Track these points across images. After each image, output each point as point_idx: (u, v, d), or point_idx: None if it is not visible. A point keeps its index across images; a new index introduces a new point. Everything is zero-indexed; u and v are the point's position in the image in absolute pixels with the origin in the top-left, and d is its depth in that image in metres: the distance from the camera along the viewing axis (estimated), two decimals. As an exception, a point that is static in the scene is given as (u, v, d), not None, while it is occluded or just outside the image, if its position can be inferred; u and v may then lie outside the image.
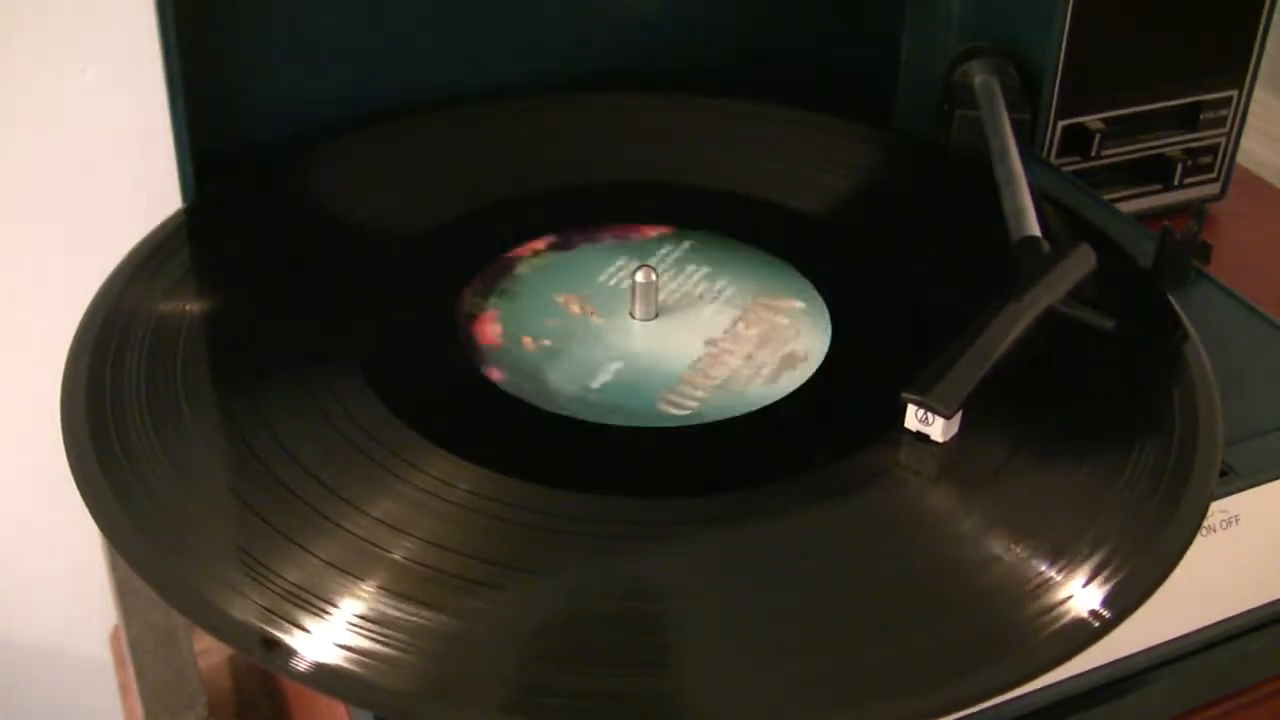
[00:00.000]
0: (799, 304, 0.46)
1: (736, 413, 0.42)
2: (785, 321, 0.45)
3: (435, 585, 0.35)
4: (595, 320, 0.46)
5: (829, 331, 0.45)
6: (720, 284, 0.48)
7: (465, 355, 0.44)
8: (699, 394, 0.42)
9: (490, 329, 0.45)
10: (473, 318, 0.46)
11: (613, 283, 0.48)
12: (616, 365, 0.44)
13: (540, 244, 0.50)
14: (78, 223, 0.60)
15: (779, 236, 0.50)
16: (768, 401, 0.42)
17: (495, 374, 0.43)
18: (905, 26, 0.65)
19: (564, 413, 0.41)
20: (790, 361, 0.43)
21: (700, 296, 0.47)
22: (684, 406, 0.42)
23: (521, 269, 0.48)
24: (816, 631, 0.35)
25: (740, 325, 0.45)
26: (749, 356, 0.44)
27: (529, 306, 0.46)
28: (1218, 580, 0.42)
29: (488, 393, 0.42)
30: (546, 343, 0.45)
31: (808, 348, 0.44)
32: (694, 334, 0.45)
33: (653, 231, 0.51)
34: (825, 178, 0.54)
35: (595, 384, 0.43)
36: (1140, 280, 0.49)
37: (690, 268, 0.49)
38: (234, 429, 0.40)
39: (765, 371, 0.43)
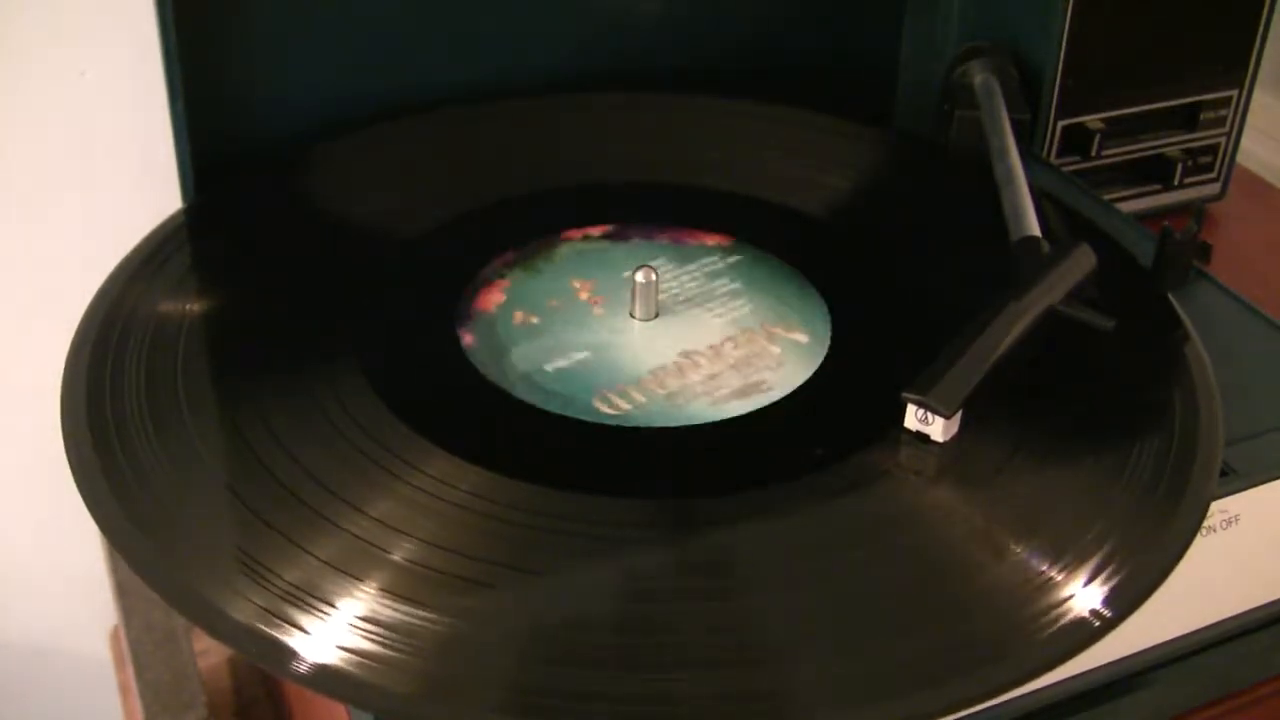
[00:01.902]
0: (802, 338, 0.46)
1: (669, 424, 0.41)
2: (776, 350, 0.45)
3: (434, 586, 0.35)
4: (595, 310, 0.46)
5: (814, 368, 0.44)
6: (739, 302, 0.47)
7: (452, 321, 0.44)
8: (639, 399, 0.42)
9: (494, 297, 0.45)
10: (487, 283, 0.46)
11: (611, 282, 0.48)
12: (582, 355, 0.44)
13: (596, 230, 0.50)
14: (78, 222, 0.60)
15: (779, 237, 0.50)
16: (702, 421, 0.41)
17: (468, 338, 0.43)
18: (905, 26, 0.65)
19: (509, 390, 0.42)
20: (747, 390, 0.43)
21: (710, 309, 0.47)
22: (617, 407, 0.42)
23: (563, 249, 0.48)
24: (815, 632, 0.35)
25: (728, 344, 0.45)
26: (714, 375, 0.43)
27: (543, 285, 0.46)
28: (1218, 580, 0.42)
29: (488, 393, 0.42)
30: (534, 320, 0.45)
31: (777, 381, 0.43)
32: (677, 342, 0.45)
33: (709, 240, 0.50)
34: (825, 178, 0.54)
35: (549, 367, 0.43)
36: (1140, 280, 0.49)
37: (721, 281, 0.48)
38: (234, 429, 0.40)
39: (720, 393, 0.43)
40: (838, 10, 0.63)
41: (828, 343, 0.46)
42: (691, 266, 0.49)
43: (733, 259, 0.50)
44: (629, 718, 0.33)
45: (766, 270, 0.49)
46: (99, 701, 0.70)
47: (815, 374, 0.44)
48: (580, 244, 0.49)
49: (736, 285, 0.48)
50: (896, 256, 0.50)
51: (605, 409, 0.42)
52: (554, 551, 0.37)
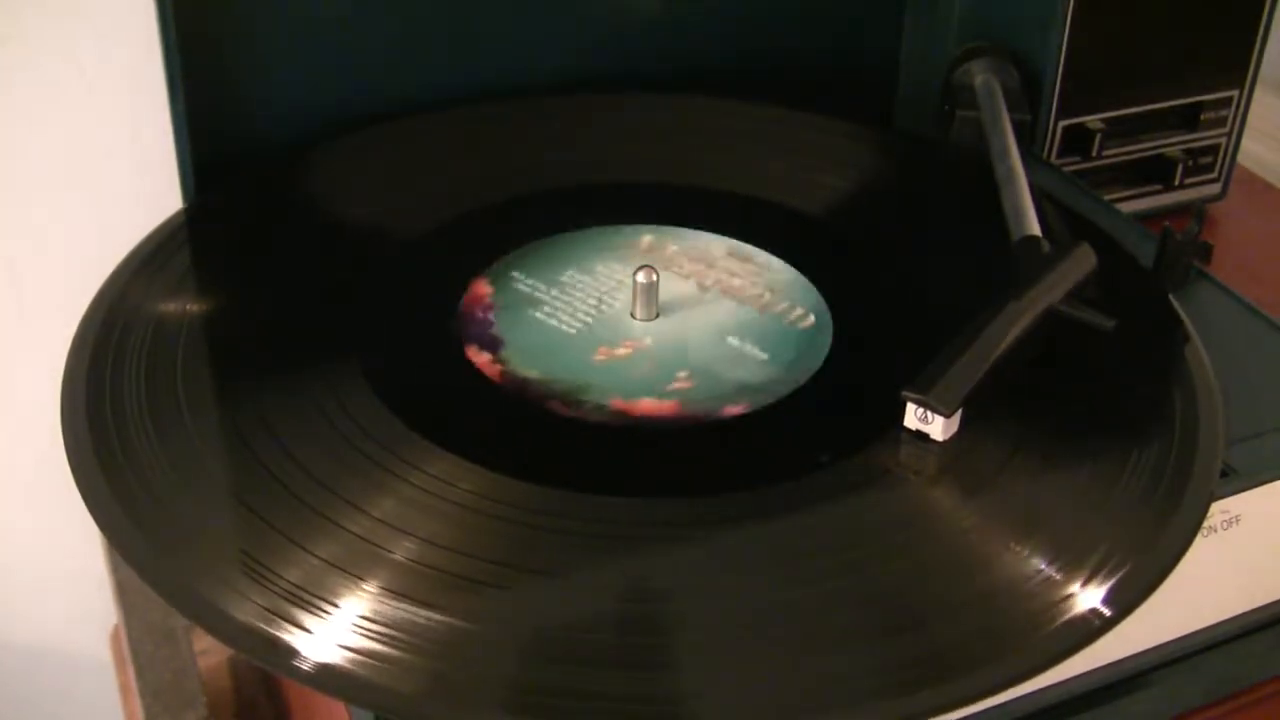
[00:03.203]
0: (800, 311, 0.46)
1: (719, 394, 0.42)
2: (764, 273, 0.45)
3: (435, 585, 0.35)
4: (596, 316, 0.46)
5: (829, 343, 0.45)
6: (726, 286, 0.48)
7: (465, 355, 0.44)
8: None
9: (490, 319, 0.45)
10: (475, 307, 0.46)
11: (619, 281, 0.48)
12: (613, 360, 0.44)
13: (552, 240, 0.50)
14: (78, 223, 0.60)
15: (780, 237, 0.50)
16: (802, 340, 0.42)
17: (484, 361, 0.43)
18: (905, 26, 0.65)
19: (547, 405, 0.41)
20: (787, 313, 0.43)
21: (703, 300, 0.47)
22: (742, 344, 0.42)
23: (531, 263, 0.49)
24: (817, 631, 0.35)
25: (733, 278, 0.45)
26: (755, 294, 0.44)
27: (531, 299, 0.47)
28: (1218, 580, 0.42)
29: (488, 393, 0.42)
30: (541, 337, 0.45)
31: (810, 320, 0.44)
32: (703, 328, 0.46)
33: (665, 231, 0.51)
34: (825, 178, 0.54)
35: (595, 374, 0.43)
36: (1141, 280, 0.49)
37: (698, 268, 0.49)
38: (234, 429, 0.40)
39: (795, 313, 0.43)
40: (838, 10, 0.63)
41: (828, 314, 0.46)
42: (662, 261, 0.49)
43: (695, 247, 0.50)
44: (629, 717, 0.33)
45: (728, 252, 0.50)
46: (99, 701, 0.70)
47: (816, 374, 0.44)
48: (542, 254, 0.49)
49: (713, 271, 0.49)
50: (896, 256, 0.50)
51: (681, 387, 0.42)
52: (554, 551, 0.37)
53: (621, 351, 0.45)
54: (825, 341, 0.45)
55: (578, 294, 0.47)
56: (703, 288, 0.47)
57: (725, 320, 0.46)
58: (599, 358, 0.44)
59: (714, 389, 0.43)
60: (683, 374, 0.44)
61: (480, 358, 0.44)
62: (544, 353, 0.44)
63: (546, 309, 0.46)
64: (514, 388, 0.43)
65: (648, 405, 0.42)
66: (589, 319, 0.46)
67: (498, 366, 0.43)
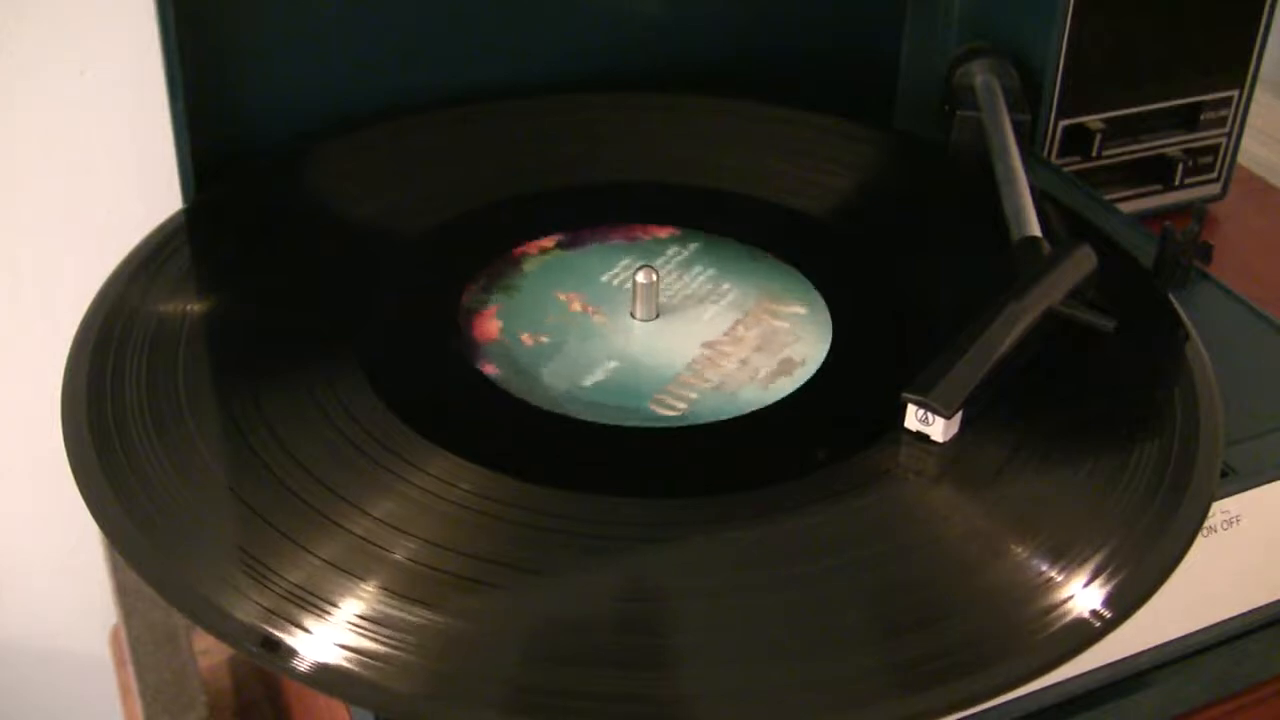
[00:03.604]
0: (801, 309, 0.46)
1: (727, 416, 0.42)
2: (785, 326, 0.45)
3: (436, 585, 0.35)
4: (596, 319, 0.46)
5: (829, 338, 0.45)
6: (724, 286, 0.48)
7: (465, 355, 0.44)
8: (691, 395, 0.42)
9: (490, 325, 0.45)
10: (474, 313, 0.46)
11: (616, 282, 0.48)
12: (611, 364, 0.44)
13: (549, 242, 0.50)
14: (78, 223, 0.60)
15: (780, 237, 0.50)
16: (759, 406, 0.42)
17: (490, 369, 0.43)
18: (905, 26, 0.65)
19: (554, 410, 0.41)
20: (786, 367, 0.43)
21: (703, 299, 0.47)
22: (674, 408, 0.42)
23: (528, 266, 0.48)
24: (817, 632, 0.35)
25: (740, 328, 0.45)
26: (744, 360, 0.44)
27: (531, 303, 0.46)
28: (1219, 581, 0.42)
29: (488, 392, 0.42)
30: (544, 339, 0.45)
31: (805, 354, 0.44)
32: (693, 336, 0.45)
33: (662, 232, 0.51)
34: (825, 178, 0.54)
35: (587, 382, 0.43)
36: (1141, 280, 0.49)
37: (696, 269, 0.49)
38: (234, 429, 0.40)
39: (761, 375, 0.43)
40: (838, 10, 0.63)
41: (824, 307, 0.46)
42: (659, 260, 0.49)
43: (693, 246, 0.50)
44: (628, 717, 0.33)
45: (729, 251, 0.50)
46: (99, 701, 0.70)
47: (815, 374, 0.44)
48: (540, 257, 0.49)
49: (712, 271, 0.48)
50: (896, 256, 0.50)
51: (664, 411, 0.42)
52: (554, 551, 0.37)
53: (621, 351, 0.45)
54: (825, 342, 0.45)
55: (578, 293, 0.47)
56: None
57: (725, 321, 0.46)
58: (601, 357, 0.44)
59: (714, 390, 0.43)
60: (681, 375, 0.43)
61: (483, 360, 0.44)
62: (544, 352, 0.44)
63: (546, 307, 0.46)
64: (514, 388, 0.43)
65: (652, 405, 0.42)
66: (590, 319, 0.46)
67: (496, 365, 0.43)
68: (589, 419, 0.41)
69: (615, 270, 0.48)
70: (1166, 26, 0.61)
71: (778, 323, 0.45)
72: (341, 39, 0.55)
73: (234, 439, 0.40)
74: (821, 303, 0.47)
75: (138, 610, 0.54)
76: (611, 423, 0.41)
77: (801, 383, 0.43)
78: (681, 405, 0.42)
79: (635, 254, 0.49)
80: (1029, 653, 0.34)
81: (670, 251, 0.50)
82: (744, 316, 0.46)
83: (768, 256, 0.49)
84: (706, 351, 0.44)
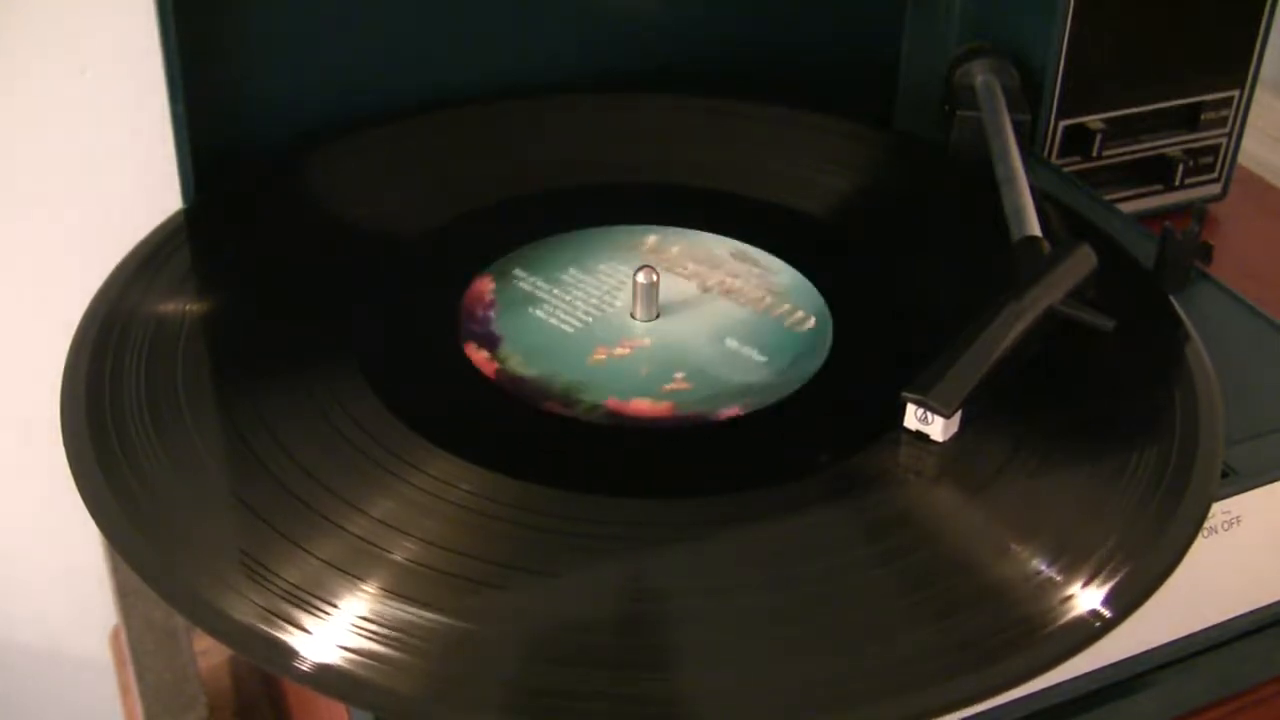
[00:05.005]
0: (801, 312, 0.47)
1: (727, 414, 0.42)
2: (773, 278, 0.45)
3: (435, 585, 0.35)
4: (596, 319, 0.46)
5: (829, 338, 0.45)
6: (726, 287, 0.48)
7: (465, 355, 0.44)
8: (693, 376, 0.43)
9: (491, 323, 0.45)
10: (474, 312, 0.46)
11: (618, 282, 0.48)
12: (610, 364, 0.44)
13: (553, 240, 0.50)
14: (78, 223, 0.60)
15: (780, 237, 0.50)
16: (760, 400, 0.42)
17: (489, 368, 0.43)
18: (905, 26, 0.65)
19: (553, 410, 0.41)
20: (791, 318, 0.43)
21: (703, 300, 0.47)
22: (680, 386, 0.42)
23: (529, 265, 0.48)
24: (817, 632, 0.35)
25: (733, 280, 0.45)
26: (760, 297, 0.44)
27: (531, 302, 0.47)
28: (1219, 581, 0.42)
29: (488, 392, 0.42)
30: (544, 339, 0.45)
31: (800, 308, 0.45)
32: (695, 333, 0.45)
33: (663, 232, 0.51)
34: (825, 178, 0.54)
35: (585, 381, 0.43)
36: (1141, 280, 0.49)
37: (697, 269, 0.49)
38: (234, 429, 0.40)
39: (795, 316, 0.43)
40: (838, 10, 0.63)
41: (825, 307, 0.47)
42: (660, 261, 0.49)
43: (694, 246, 0.50)
44: (629, 718, 0.33)
45: (729, 253, 0.50)
46: (99, 701, 0.70)
47: (815, 375, 0.44)
48: (543, 254, 0.49)
49: (714, 272, 0.49)
50: (896, 256, 0.50)
51: (669, 388, 0.42)
52: (553, 551, 0.37)
53: (620, 351, 0.45)
54: (825, 342, 0.45)
55: (578, 293, 0.47)
56: (704, 289, 0.47)
57: (724, 322, 0.46)
58: (598, 357, 0.44)
59: (713, 390, 0.43)
60: (680, 375, 0.43)
61: (478, 355, 0.44)
62: (543, 352, 0.44)
63: (546, 308, 0.46)
64: (513, 387, 0.43)
65: (645, 406, 0.42)
66: (589, 318, 0.46)
67: (495, 365, 0.43)
68: (586, 419, 0.41)
69: (616, 270, 0.48)
70: (1166, 26, 0.61)
71: (765, 272, 0.45)
72: (341, 39, 0.55)
73: (233, 439, 0.40)
74: (822, 303, 0.47)
75: (138, 610, 0.54)
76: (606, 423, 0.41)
77: (807, 375, 0.43)
78: (687, 385, 0.42)
79: (636, 254, 0.49)
80: (1029, 652, 0.34)
81: (672, 251, 0.50)
82: (732, 264, 0.46)
83: (768, 256, 0.49)
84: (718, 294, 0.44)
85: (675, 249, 0.50)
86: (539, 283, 0.48)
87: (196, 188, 0.51)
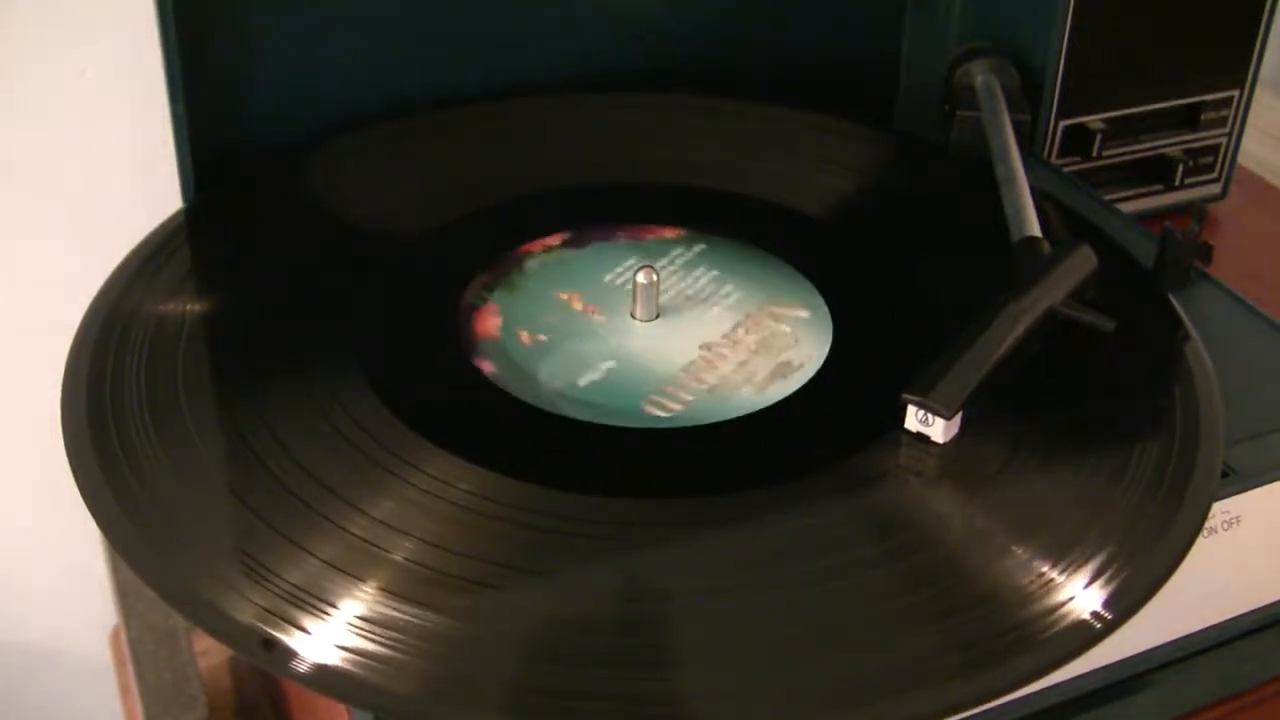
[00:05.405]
0: (803, 313, 0.46)
1: (721, 418, 0.41)
2: (786, 329, 0.45)
3: (435, 586, 0.35)
4: (596, 318, 0.46)
5: (829, 341, 0.45)
6: (727, 288, 0.48)
7: (464, 354, 0.44)
8: (686, 397, 0.42)
9: (491, 323, 0.45)
10: (475, 309, 0.46)
11: (619, 282, 0.48)
12: (608, 364, 0.44)
13: (554, 240, 0.50)
14: (78, 223, 0.60)
15: (780, 237, 0.50)
16: (754, 409, 0.42)
17: (487, 366, 0.43)
18: (905, 26, 0.65)
19: (547, 409, 0.41)
20: (783, 370, 0.43)
21: (705, 300, 0.47)
22: (668, 409, 0.42)
23: (531, 264, 0.48)
24: (817, 632, 0.35)
25: (740, 330, 0.45)
26: (743, 363, 0.44)
27: (531, 301, 0.46)
28: (1219, 581, 0.42)
29: (488, 393, 0.42)
30: (542, 338, 0.45)
31: (804, 357, 0.44)
32: (692, 337, 0.45)
33: (665, 233, 0.51)
34: (825, 178, 0.54)
35: (582, 381, 0.43)
36: (1141, 280, 0.49)
37: (698, 270, 0.49)
38: (234, 429, 0.40)
39: (758, 378, 0.43)
40: (838, 10, 0.63)
41: (827, 312, 0.46)
42: (664, 261, 0.49)
43: (698, 248, 0.50)
44: (628, 718, 0.33)
45: (732, 253, 0.49)
46: (99, 702, 0.70)
47: (815, 375, 0.44)
48: (544, 255, 0.49)
49: (715, 272, 0.48)
50: (896, 256, 0.50)
51: (658, 412, 0.42)
52: (553, 551, 0.37)
53: (620, 351, 0.45)
54: (825, 341, 0.45)
55: (578, 292, 0.47)
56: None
57: (726, 322, 0.46)
58: (598, 357, 0.44)
59: (713, 390, 0.43)
60: (678, 375, 0.43)
61: (480, 358, 0.44)
62: (543, 351, 0.44)
63: (546, 306, 0.46)
64: (511, 387, 0.43)
65: (646, 406, 0.42)
66: (589, 318, 0.46)
67: (494, 365, 0.43)
68: (583, 418, 0.41)
69: (617, 270, 0.48)
70: (1166, 26, 0.61)
71: (779, 326, 0.45)
72: (341, 39, 0.55)
73: (233, 439, 0.40)
74: (822, 303, 0.47)
75: (138, 611, 0.54)
76: (605, 423, 0.41)
77: (798, 386, 0.43)
78: (676, 406, 0.42)
79: (638, 254, 0.49)
80: (1029, 655, 0.34)
81: (674, 252, 0.50)
82: (745, 319, 0.46)
83: (769, 257, 0.49)
84: (704, 353, 0.44)
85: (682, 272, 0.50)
86: (540, 282, 0.48)
87: (196, 188, 0.51)
